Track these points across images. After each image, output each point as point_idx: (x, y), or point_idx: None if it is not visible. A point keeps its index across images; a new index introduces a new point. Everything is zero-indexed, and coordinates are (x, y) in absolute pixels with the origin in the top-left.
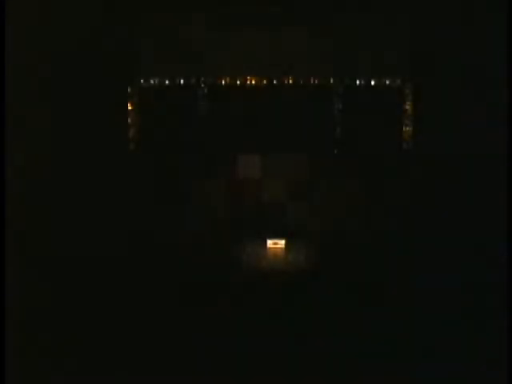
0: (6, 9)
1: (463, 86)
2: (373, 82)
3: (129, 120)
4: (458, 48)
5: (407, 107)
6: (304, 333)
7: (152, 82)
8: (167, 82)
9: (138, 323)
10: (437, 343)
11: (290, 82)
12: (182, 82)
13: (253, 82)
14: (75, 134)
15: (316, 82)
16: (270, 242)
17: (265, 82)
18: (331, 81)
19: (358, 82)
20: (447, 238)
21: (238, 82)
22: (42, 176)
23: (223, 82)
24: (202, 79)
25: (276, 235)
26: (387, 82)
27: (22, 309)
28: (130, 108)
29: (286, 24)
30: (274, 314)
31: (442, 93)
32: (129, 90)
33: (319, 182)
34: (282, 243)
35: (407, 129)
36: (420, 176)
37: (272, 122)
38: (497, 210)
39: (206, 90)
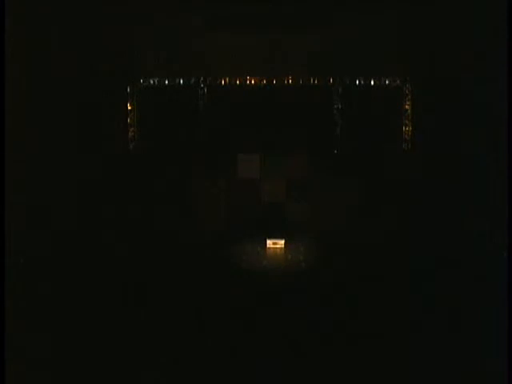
0: (5, 9)
1: (463, 86)
2: (373, 82)
3: (129, 120)
4: (458, 48)
5: (407, 107)
6: (303, 332)
7: (152, 82)
8: (167, 82)
9: (137, 323)
10: (436, 341)
11: (290, 82)
12: (181, 81)
13: (253, 82)
14: (75, 133)
15: (316, 82)
16: (269, 242)
17: (265, 82)
18: (331, 81)
19: (357, 82)
20: (447, 238)
21: (238, 82)
22: (42, 176)
23: (223, 82)
24: (202, 79)
25: (276, 235)
26: (387, 82)
27: (22, 308)
28: (129, 108)
29: (286, 24)
30: (273, 312)
31: (442, 93)
32: (129, 89)
33: (319, 181)
34: (281, 243)
35: (407, 129)
36: (420, 176)
37: (272, 121)
38: (497, 210)
39: (205, 90)
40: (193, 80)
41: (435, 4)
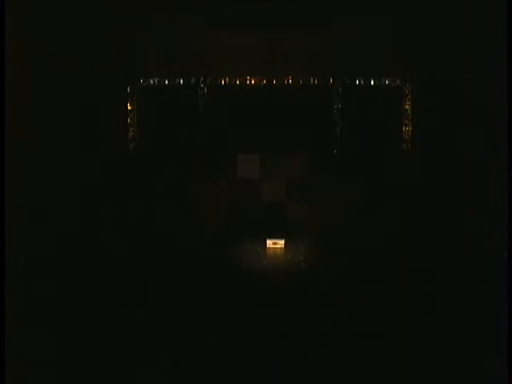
0: (5, 9)
1: (463, 86)
2: (373, 82)
3: (129, 120)
4: (458, 48)
5: (407, 107)
6: (303, 332)
7: (152, 82)
8: (167, 82)
9: (137, 323)
10: (436, 341)
11: (290, 82)
12: (181, 81)
13: (253, 82)
14: (75, 133)
15: (316, 82)
16: (269, 242)
17: (265, 82)
18: (331, 81)
19: (357, 82)
20: (447, 238)
21: (238, 82)
22: (42, 176)
23: (223, 82)
24: (202, 79)
25: (276, 235)
26: (387, 82)
27: (22, 308)
28: (129, 108)
29: (286, 24)
30: (273, 312)
31: (442, 93)
32: (129, 90)
33: (319, 181)
34: (281, 243)
35: (407, 129)
36: (420, 176)
37: (272, 121)
38: (497, 210)
39: (205, 90)
40: (193, 80)
41: (435, 4)
